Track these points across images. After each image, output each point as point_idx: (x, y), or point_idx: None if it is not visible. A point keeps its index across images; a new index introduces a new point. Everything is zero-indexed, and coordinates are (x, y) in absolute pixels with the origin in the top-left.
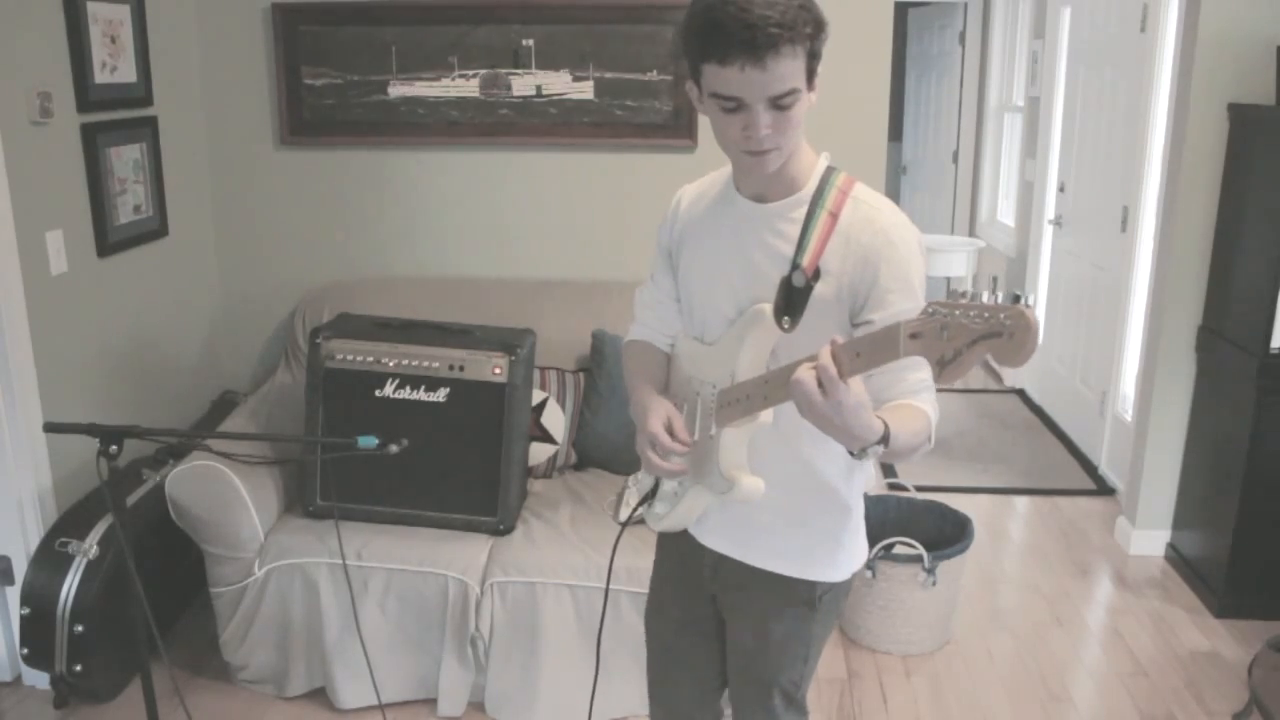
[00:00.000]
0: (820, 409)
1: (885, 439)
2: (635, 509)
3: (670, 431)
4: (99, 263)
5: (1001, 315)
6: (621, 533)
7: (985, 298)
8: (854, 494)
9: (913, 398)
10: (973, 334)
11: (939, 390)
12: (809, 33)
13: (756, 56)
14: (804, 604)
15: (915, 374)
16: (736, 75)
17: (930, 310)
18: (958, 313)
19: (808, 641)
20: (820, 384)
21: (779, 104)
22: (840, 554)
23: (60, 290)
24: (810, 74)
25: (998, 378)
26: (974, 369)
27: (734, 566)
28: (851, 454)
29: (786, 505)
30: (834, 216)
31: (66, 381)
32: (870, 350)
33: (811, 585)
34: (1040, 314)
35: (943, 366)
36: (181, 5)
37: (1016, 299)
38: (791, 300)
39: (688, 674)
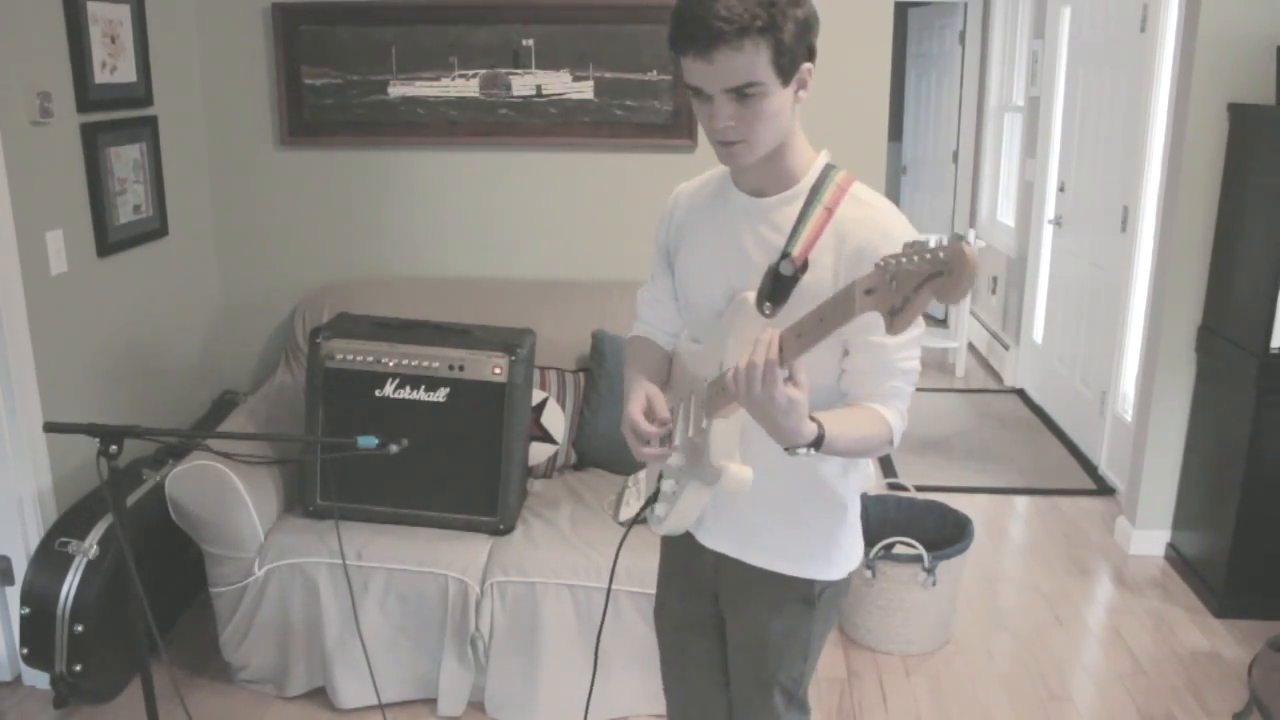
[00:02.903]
0: (755, 400)
1: (817, 444)
2: (640, 511)
3: (651, 417)
4: (99, 263)
5: (940, 254)
6: (626, 534)
7: (932, 243)
8: (850, 493)
9: (881, 403)
10: (919, 277)
11: (938, 390)
12: (760, 27)
13: (700, 49)
14: (802, 602)
15: (891, 381)
16: (692, 66)
17: (881, 263)
18: (904, 260)
19: (807, 639)
20: (762, 372)
21: (740, 94)
22: (836, 553)
23: (60, 290)
24: (781, 68)
25: (998, 378)
26: (924, 312)
27: (733, 566)
28: (785, 450)
29: (783, 504)
30: (829, 211)
31: (66, 381)
32: (829, 315)
33: (809, 583)
34: (1040, 314)
35: (893, 315)
36: (181, 5)
37: (959, 238)
38: (776, 288)
39: (695, 670)
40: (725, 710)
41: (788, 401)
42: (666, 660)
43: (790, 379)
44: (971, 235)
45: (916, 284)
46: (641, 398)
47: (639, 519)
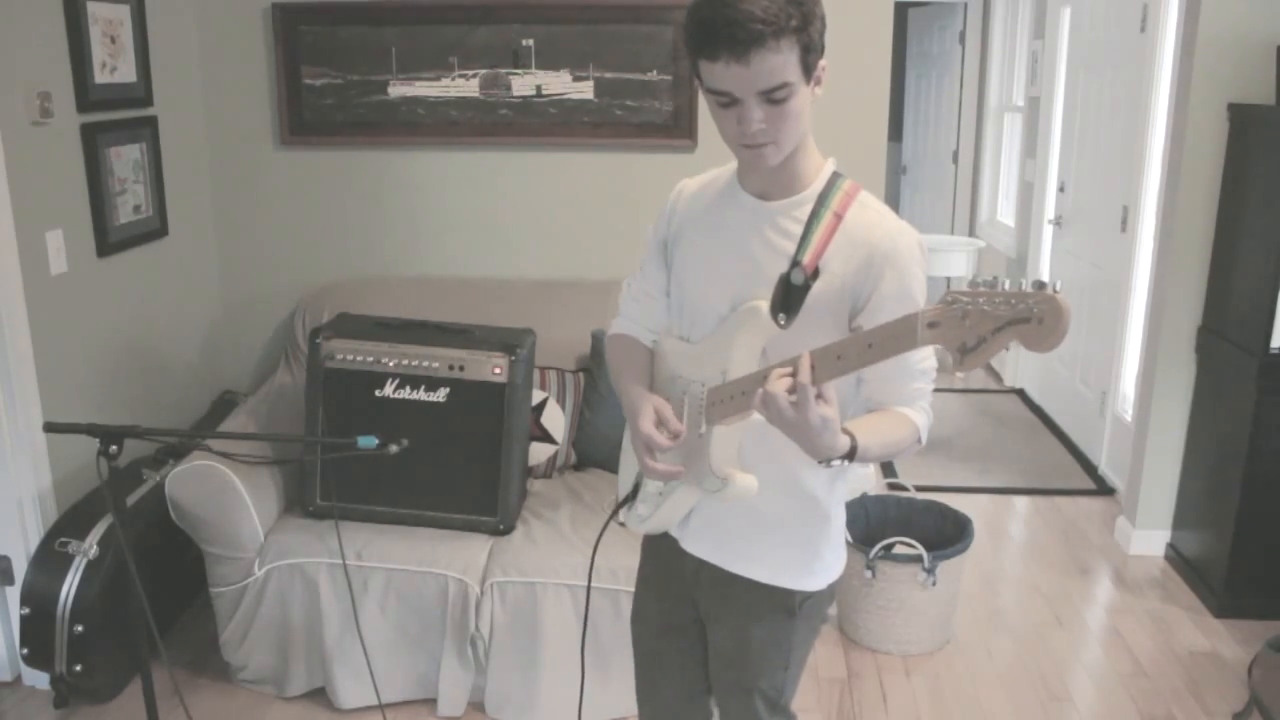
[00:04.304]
0: (789, 421)
1: (851, 454)
2: (615, 511)
3: (661, 427)
4: (99, 263)
5: (1031, 301)
6: (602, 533)
7: (1006, 285)
8: (835, 503)
9: (906, 405)
10: (999, 320)
11: (938, 390)
12: (795, 26)
13: (739, 53)
14: (783, 611)
15: (913, 384)
16: (723, 71)
17: (949, 299)
18: (981, 300)
19: (788, 649)
20: (793, 393)
21: (771, 98)
22: (818, 564)
23: (60, 290)
24: (806, 67)
25: (998, 378)
26: (996, 357)
27: (714, 572)
28: (819, 462)
29: (767, 512)
30: (839, 217)
31: (66, 381)
32: (879, 342)
33: (790, 594)
34: None
35: (964, 353)
36: (181, 5)
37: (1042, 285)
38: (789, 297)
39: (672, 677)
40: (704, 718)
41: (821, 420)
42: (642, 667)
43: (820, 396)
44: (1058, 284)
45: (996, 326)
46: (650, 411)
47: (615, 518)
